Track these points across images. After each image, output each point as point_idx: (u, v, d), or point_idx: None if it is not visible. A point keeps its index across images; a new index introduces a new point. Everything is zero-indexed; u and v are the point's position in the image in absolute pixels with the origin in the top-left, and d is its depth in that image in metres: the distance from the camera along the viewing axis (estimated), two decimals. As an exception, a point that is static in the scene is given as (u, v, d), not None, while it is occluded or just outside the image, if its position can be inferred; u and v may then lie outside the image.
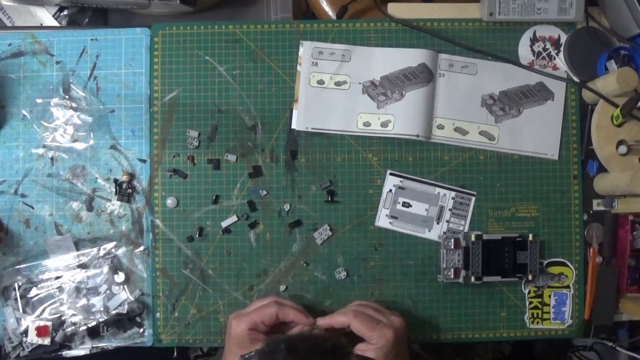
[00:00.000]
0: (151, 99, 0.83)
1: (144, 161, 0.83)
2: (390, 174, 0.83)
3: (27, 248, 0.83)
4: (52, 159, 0.83)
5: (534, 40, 0.84)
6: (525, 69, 0.83)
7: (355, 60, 0.83)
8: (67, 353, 0.80)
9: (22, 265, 0.82)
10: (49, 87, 0.83)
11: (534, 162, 0.84)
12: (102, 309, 0.81)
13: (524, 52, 0.84)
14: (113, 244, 0.82)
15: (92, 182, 0.83)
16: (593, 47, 0.83)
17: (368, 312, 0.75)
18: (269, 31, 0.84)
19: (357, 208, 0.83)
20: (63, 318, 0.81)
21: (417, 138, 0.82)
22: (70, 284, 0.81)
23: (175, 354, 0.84)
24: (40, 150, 0.83)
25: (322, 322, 0.76)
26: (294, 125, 0.83)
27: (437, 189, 0.83)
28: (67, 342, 0.81)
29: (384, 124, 0.83)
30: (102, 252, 0.82)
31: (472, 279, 0.80)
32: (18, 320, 0.80)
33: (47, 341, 0.79)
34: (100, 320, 0.81)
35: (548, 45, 0.85)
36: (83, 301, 0.81)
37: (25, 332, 0.80)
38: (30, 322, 0.80)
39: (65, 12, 0.88)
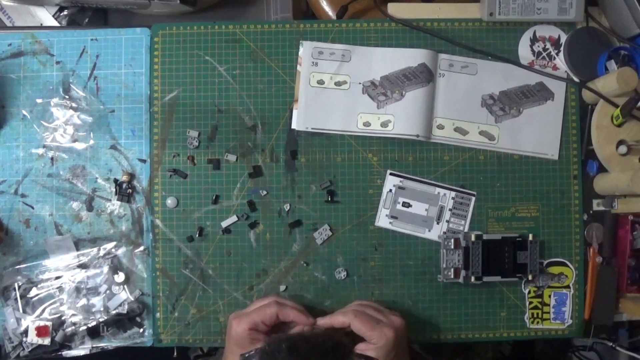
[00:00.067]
0: (151, 99, 0.83)
1: (144, 161, 0.83)
2: (390, 174, 0.83)
3: (27, 248, 0.83)
4: (52, 159, 0.83)
5: (534, 40, 0.84)
6: (525, 69, 0.83)
7: (355, 60, 0.83)
8: (67, 353, 0.80)
9: (22, 265, 0.82)
10: (49, 87, 0.83)
11: (534, 162, 0.84)
12: (102, 309, 0.81)
13: (524, 52, 0.84)
14: (113, 244, 0.82)
15: (92, 182, 0.83)
16: (593, 47, 0.83)
17: (368, 311, 0.75)
18: (269, 31, 0.84)
19: (357, 208, 0.83)
20: (63, 318, 0.81)
21: (417, 138, 0.82)
22: (70, 284, 0.81)
23: (175, 354, 0.84)
24: (40, 150, 0.83)
25: (323, 322, 0.76)
26: (294, 125, 0.83)
27: (437, 189, 0.83)
28: (67, 342, 0.81)
29: (384, 124, 0.83)
30: (102, 252, 0.82)
31: (472, 279, 0.80)
32: (18, 320, 0.80)
33: (47, 341, 0.79)
34: (100, 320, 0.81)
35: (548, 45, 0.85)
36: (83, 301, 0.81)
37: (25, 332, 0.80)
38: (30, 322, 0.80)
39: (65, 12, 0.88)
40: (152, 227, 0.83)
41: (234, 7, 0.89)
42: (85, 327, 0.80)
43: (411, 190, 0.83)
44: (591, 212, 0.84)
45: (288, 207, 0.83)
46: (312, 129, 0.83)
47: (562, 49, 0.84)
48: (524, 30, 0.85)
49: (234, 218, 0.82)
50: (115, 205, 0.83)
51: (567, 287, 0.83)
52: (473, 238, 0.80)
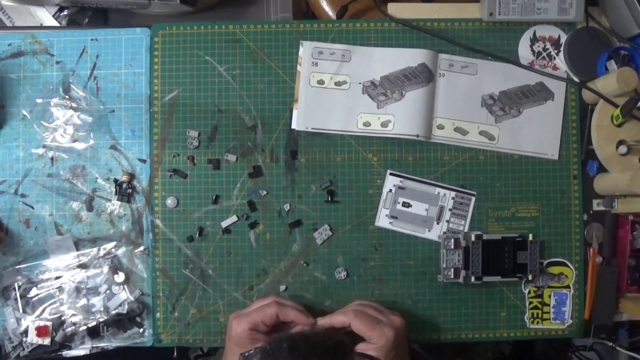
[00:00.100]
0: (151, 99, 0.83)
1: (144, 161, 0.83)
2: (390, 174, 0.83)
3: (27, 248, 0.83)
4: (52, 159, 0.83)
5: (534, 40, 0.84)
6: (525, 69, 0.83)
7: (355, 60, 0.83)
8: (67, 353, 0.80)
9: (22, 265, 0.82)
10: (49, 87, 0.83)
11: (534, 162, 0.84)
12: (102, 309, 0.81)
13: (524, 52, 0.84)
14: (113, 244, 0.82)
15: (92, 182, 0.83)
16: (593, 47, 0.83)
17: (368, 311, 0.75)
18: (269, 31, 0.84)
19: (357, 208, 0.83)
20: (63, 318, 0.81)
21: (417, 138, 0.82)
22: (70, 284, 0.81)
23: (175, 354, 0.84)
24: (40, 150, 0.83)
25: (323, 321, 0.76)
26: (294, 125, 0.83)
27: (437, 189, 0.83)
28: (67, 342, 0.81)
29: (384, 124, 0.83)
30: (102, 252, 0.82)
31: (472, 279, 0.80)
32: (18, 320, 0.80)
33: (47, 341, 0.79)
34: (100, 320, 0.81)
35: (548, 45, 0.85)
36: (83, 301, 0.81)
37: (25, 332, 0.80)
38: (30, 322, 0.80)
39: (65, 12, 0.88)
40: (152, 227, 0.83)
41: (234, 7, 0.89)
42: (85, 327, 0.80)
43: (411, 190, 0.83)
44: (591, 212, 0.84)
45: (288, 207, 0.83)
46: (312, 129, 0.83)
47: (562, 49, 0.84)
48: (524, 30, 0.85)
49: (234, 218, 0.82)
50: (115, 205, 0.83)
51: (567, 287, 0.83)
52: (473, 238, 0.80)
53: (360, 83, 0.83)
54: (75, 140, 0.83)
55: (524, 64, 0.84)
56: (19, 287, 0.81)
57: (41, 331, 0.79)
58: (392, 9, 0.85)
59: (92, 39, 0.84)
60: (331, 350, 0.62)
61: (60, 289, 0.81)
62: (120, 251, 0.82)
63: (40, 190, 0.83)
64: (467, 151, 0.84)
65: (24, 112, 0.83)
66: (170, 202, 0.82)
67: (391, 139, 0.83)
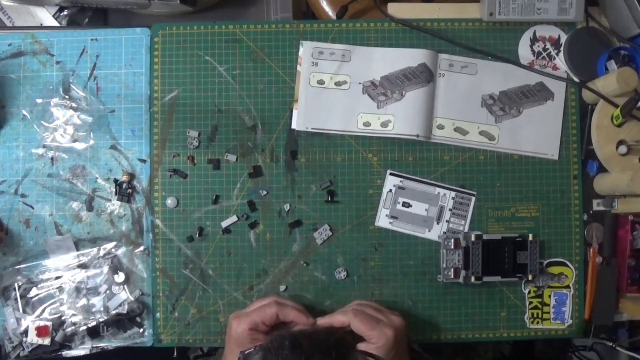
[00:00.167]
0: (151, 99, 0.83)
1: (144, 161, 0.83)
2: (390, 174, 0.83)
3: (27, 248, 0.83)
4: (52, 159, 0.83)
5: (534, 40, 0.84)
6: (525, 69, 0.83)
7: (355, 60, 0.83)
8: (67, 353, 0.80)
9: (22, 265, 0.82)
10: (49, 87, 0.83)
11: (534, 162, 0.84)
12: (102, 309, 0.81)
13: (524, 52, 0.84)
14: (113, 244, 0.82)
15: (92, 182, 0.83)
16: (593, 47, 0.83)
17: (368, 311, 0.75)
18: (269, 31, 0.84)
19: (357, 208, 0.83)
20: (63, 318, 0.81)
21: (417, 138, 0.82)
22: (70, 284, 0.81)
23: (175, 354, 0.84)
24: (40, 150, 0.83)
25: (323, 321, 0.76)
26: (294, 125, 0.83)
27: (437, 189, 0.83)
28: (67, 342, 0.81)
29: (384, 124, 0.83)
30: (102, 252, 0.82)
31: (472, 279, 0.80)
32: (18, 320, 0.80)
33: (47, 341, 0.79)
34: (100, 320, 0.81)
35: (548, 45, 0.85)
36: (83, 301, 0.81)
37: (25, 332, 0.80)
38: (30, 322, 0.80)
39: (65, 12, 0.88)
40: (152, 227, 0.83)
41: (234, 7, 0.89)
42: (85, 327, 0.80)
43: (411, 190, 0.83)
44: (591, 212, 0.84)
45: (288, 207, 0.83)
46: (312, 129, 0.83)
47: (562, 49, 0.84)
48: (524, 30, 0.85)
49: (234, 218, 0.82)
50: (115, 205, 0.83)
51: (567, 287, 0.83)
52: (473, 238, 0.80)
53: (360, 83, 0.83)
54: (75, 140, 0.83)
55: (524, 64, 0.84)
56: (19, 287, 0.81)
57: (41, 331, 0.79)
58: (392, 9, 0.85)
59: (92, 39, 0.84)
60: (333, 347, 0.62)
61: (60, 289, 0.81)
62: (120, 251, 0.82)
63: (40, 190, 0.83)
64: (467, 151, 0.84)
65: (24, 112, 0.83)
66: (170, 202, 0.82)
67: (391, 139, 0.83)
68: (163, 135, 0.83)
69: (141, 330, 0.82)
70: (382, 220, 0.83)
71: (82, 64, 0.84)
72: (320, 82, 0.83)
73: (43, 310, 0.81)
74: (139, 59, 0.84)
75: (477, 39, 0.84)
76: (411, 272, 0.83)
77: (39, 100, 0.83)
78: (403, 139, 0.83)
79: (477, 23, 0.85)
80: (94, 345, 0.81)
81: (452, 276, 0.81)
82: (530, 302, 0.83)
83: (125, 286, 0.82)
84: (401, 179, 0.83)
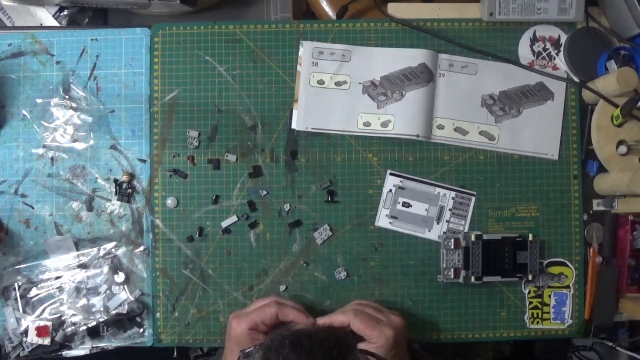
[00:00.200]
0: (151, 99, 0.83)
1: (144, 161, 0.83)
2: (390, 174, 0.83)
3: (27, 248, 0.83)
4: (52, 159, 0.83)
5: (534, 40, 0.84)
6: (525, 69, 0.83)
7: (355, 60, 0.83)
8: (67, 353, 0.80)
9: (22, 265, 0.82)
10: (49, 87, 0.83)
11: (534, 162, 0.84)
12: (102, 309, 0.81)
13: (524, 52, 0.84)
14: (113, 244, 0.82)
15: (92, 182, 0.83)
16: (593, 47, 0.83)
17: (368, 311, 0.75)
18: (269, 31, 0.84)
19: (357, 208, 0.83)
20: (63, 318, 0.81)
21: (417, 138, 0.82)
22: (70, 284, 0.81)
23: (175, 354, 0.84)
24: (40, 150, 0.83)
25: (322, 321, 0.76)
26: (294, 125, 0.83)
27: (437, 189, 0.83)
28: (67, 342, 0.81)
29: (384, 124, 0.83)
30: (102, 252, 0.82)
31: (472, 279, 0.80)
32: (18, 320, 0.80)
33: (47, 341, 0.79)
34: (100, 320, 0.81)
35: (548, 45, 0.85)
36: (83, 301, 0.81)
37: (25, 332, 0.80)
38: (30, 322, 0.80)
39: (65, 12, 0.88)
40: (152, 227, 0.83)
41: (234, 7, 0.89)
42: (85, 327, 0.80)
43: (411, 190, 0.83)
44: (591, 212, 0.84)
45: (288, 207, 0.83)
46: (312, 129, 0.83)
47: (562, 49, 0.84)
48: (524, 30, 0.85)
49: (234, 218, 0.82)
50: (115, 205, 0.83)
51: (567, 287, 0.83)
52: (473, 238, 0.80)
53: (360, 83, 0.83)
54: (75, 140, 0.83)
55: (524, 64, 0.84)
56: (19, 287, 0.81)
57: (41, 331, 0.79)
58: (392, 9, 0.85)
59: (92, 39, 0.84)
60: (334, 346, 0.62)
61: (60, 289, 0.81)
62: (120, 251, 0.82)
63: (40, 190, 0.83)
64: (467, 151, 0.84)
65: (24, 112, 0.83)
66: (170, 202, 0.82)
67: (391, 139, 0.83)
68: (163, 135, 0.83)
69: (141, 330, 0.82)
70: (382, 220, 0.83)
71: (82, 64, 0.84)
72: (320, 82, 0.83)
73: (43, 310, 0.81)
74: (139, 59, 0.84)
75: (477, 39, 0.84)
76: (411, 272, 0.83)
77: (39, 100, 0.83)
78: (403, 139, 0.83)
79: (477, 23, 0.85)
80: (94, 345, 0.81)
81: (452, 276, 0.81)
82: (530, 302, 0.83)
83: (125, 286, 0.82)
84: (401, 179, 0.83)
